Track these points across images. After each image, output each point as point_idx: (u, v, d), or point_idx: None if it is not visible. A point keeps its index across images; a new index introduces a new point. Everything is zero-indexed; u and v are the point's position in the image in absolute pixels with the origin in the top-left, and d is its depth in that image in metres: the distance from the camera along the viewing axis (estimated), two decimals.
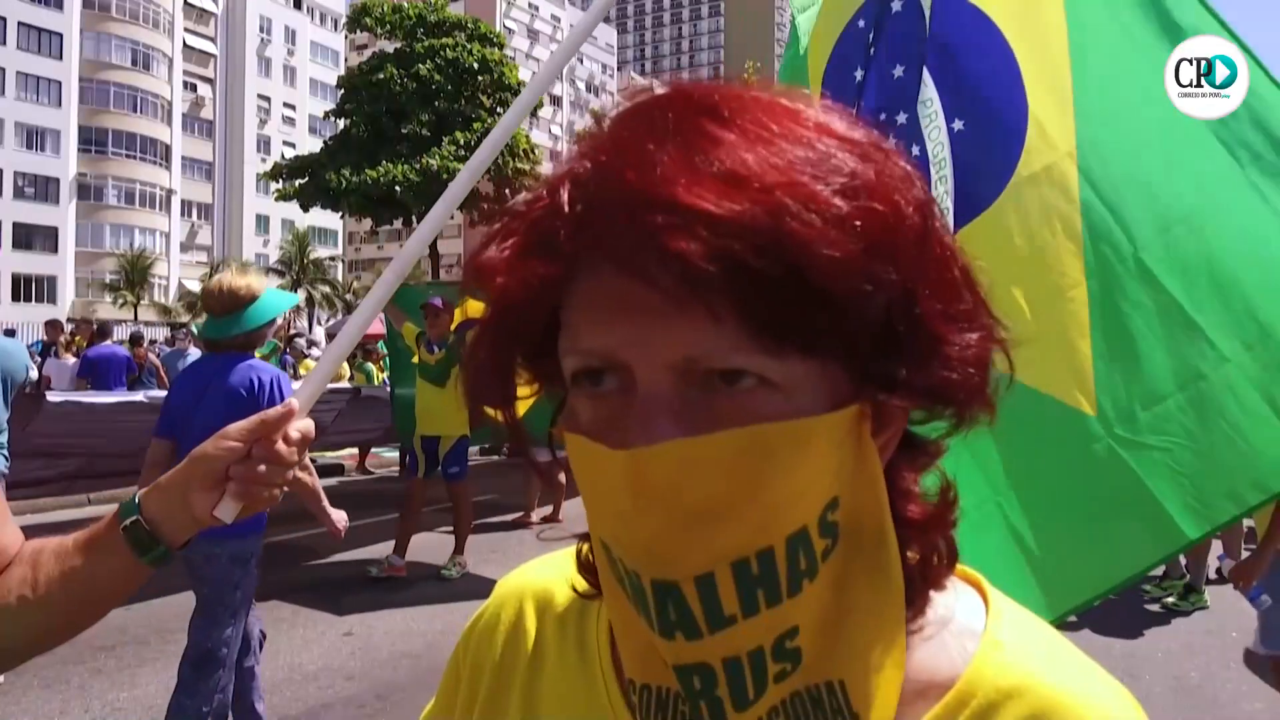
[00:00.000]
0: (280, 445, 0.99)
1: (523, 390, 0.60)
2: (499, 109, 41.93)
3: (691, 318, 0.49)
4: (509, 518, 9.13)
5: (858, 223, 0.48)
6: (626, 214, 0.48)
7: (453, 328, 7.05)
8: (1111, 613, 6.18)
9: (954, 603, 0.61)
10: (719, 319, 0.48)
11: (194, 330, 10.66)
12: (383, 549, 7.81)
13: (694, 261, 0.46)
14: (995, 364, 0.57)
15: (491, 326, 0.57)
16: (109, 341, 11.76)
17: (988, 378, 0.56)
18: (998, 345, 0.56)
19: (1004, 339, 0.57)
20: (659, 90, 0.55)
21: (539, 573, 0.76)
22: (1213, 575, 6.99)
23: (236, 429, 1.00)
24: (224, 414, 3.11)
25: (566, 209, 0.52)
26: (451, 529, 8.75)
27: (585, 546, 0.66)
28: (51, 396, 6.68)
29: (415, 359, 7.37)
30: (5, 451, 4.81)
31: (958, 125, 2.08)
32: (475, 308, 6.94)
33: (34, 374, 6.74)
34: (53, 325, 13.20)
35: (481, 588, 6.61)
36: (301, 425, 1.02)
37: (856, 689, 0.54)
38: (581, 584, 0.68)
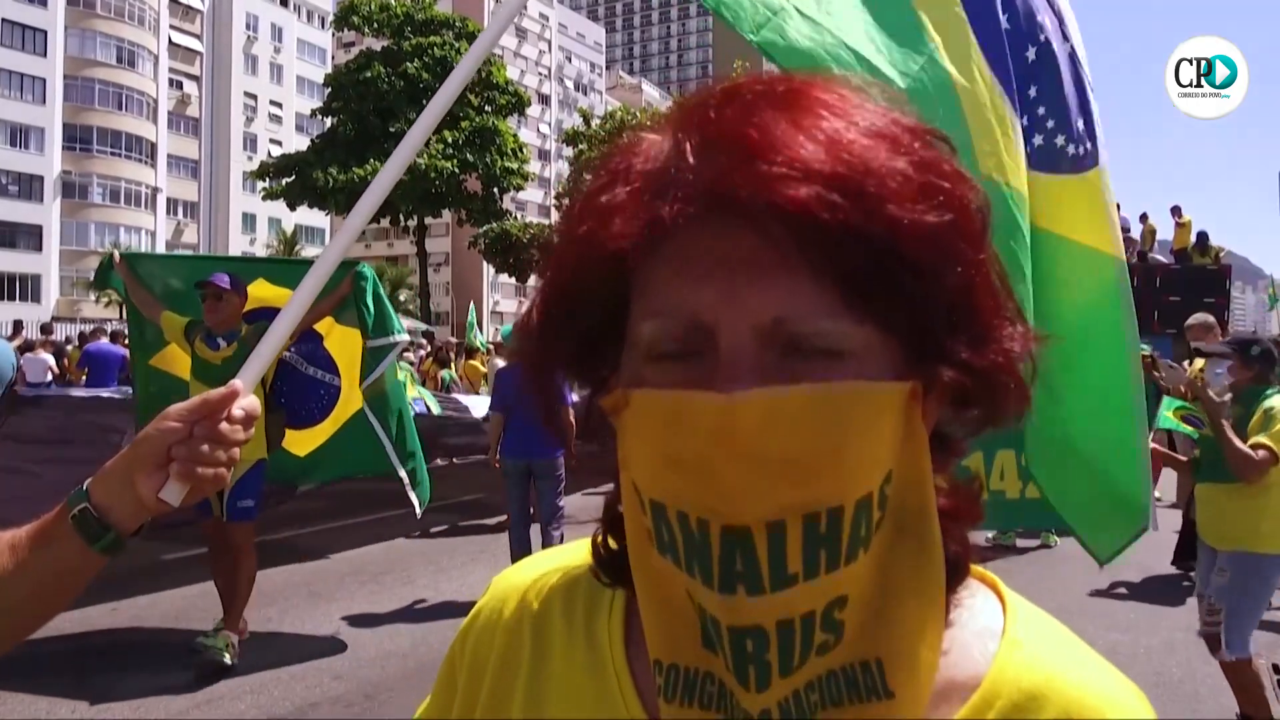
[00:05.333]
0: (224, 425, 0.99)
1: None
2: (487, 107, 41.90)
3: (790, 275, 0.52)
4: (492, 521, 8.99)
5: (940, 197, 0.54)
6: (748, 161, 0.52)
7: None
8: (1093, 611, 6.25)
9: (972, 602, 0.62)
10: (817, 277, 0.52)
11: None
12: (375, 549, 7.80)
13: (807, 207, 0.50)
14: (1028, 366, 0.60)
15: (570, 273, 0.59)
16: (104, 340, 13.20)
17: (1025, 372, 0.60)
18: (1035, 344, 0.60)
19: (1040, 340, 0.61)
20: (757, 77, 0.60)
21: (538, 567, 0.75)
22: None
23: (176, 410, 0.98)
24: None
25: (691, 159, 0.55)
26: (446, 530, 8.72)
27: (599, 536, 0.67)
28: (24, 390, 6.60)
29: (186, 356, 5.26)
30: None
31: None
32: (269, 293, 5.46)
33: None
34: (16, 332, 14.38)
35: (467, 588, 6.63)
36: (246, 403, 1.02)
37: (893, 667, 0.55)
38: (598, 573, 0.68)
